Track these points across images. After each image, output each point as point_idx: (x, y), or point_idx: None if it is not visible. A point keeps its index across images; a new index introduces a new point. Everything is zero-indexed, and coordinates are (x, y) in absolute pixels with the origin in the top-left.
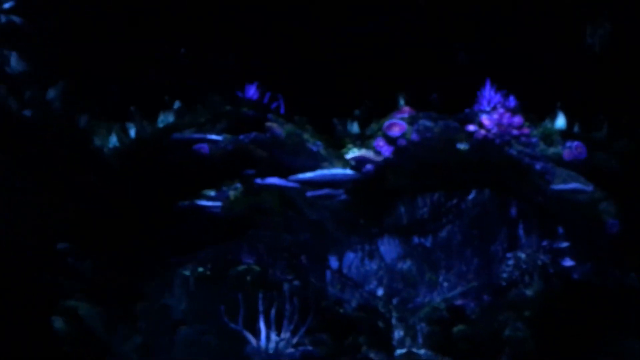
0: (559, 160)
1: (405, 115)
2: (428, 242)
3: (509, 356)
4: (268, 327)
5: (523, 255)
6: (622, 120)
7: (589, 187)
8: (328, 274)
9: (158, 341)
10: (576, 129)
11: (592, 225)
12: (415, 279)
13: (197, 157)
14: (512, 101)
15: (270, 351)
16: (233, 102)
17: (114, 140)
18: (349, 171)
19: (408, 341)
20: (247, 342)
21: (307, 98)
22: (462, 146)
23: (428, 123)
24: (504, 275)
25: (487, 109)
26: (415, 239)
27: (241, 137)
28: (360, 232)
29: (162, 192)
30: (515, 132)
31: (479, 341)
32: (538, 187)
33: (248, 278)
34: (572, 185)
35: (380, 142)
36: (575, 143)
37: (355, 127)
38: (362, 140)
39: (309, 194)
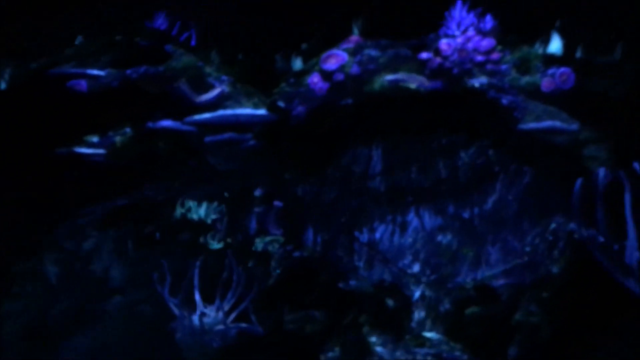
0: (535, 92)
1: (351, 46)
2: (470, 213)
3: (519, 345)
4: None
5: (553, 225)
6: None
7: (572, 126)
8: (356, 246)
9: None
10: (579, 53)
11: (573, 176)
12: (455, 254)
13: (73, 95)
14: (488, 22)
15: (195, 327)
16: (128, 31)
17: None
18: (259, 112)
19: (429, 324)
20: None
21: (251, 30)
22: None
23: (374, 52)
24: (527, 249)
25: (457, 33)
26: (453, 209)
27: (128, 71)
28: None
29: (34, 137)
30: (479, 58)
31: (491, 326)
32: (508, 126)
33: (271, 249)
34: (547, 124)
35: (314, 79)
36: (561, 70)
37: (298, 63)
38: (297, 77)
39: (207, 139)
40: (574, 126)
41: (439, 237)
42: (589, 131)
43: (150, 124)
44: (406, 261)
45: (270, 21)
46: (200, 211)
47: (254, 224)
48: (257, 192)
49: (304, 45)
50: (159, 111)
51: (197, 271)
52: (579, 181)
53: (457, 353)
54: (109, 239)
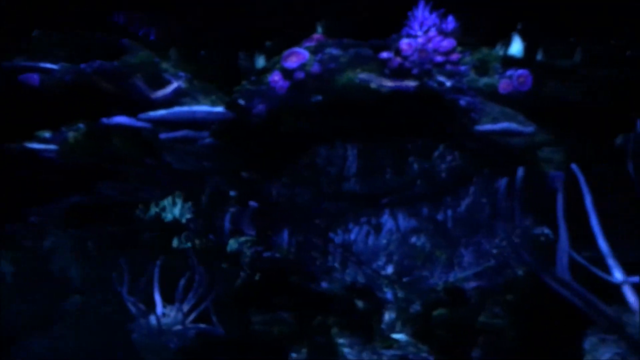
0: (493, 94)
1: (313, 44)
2: (444, 215)
3: (483, 348)
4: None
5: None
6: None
7: (528, 128)
8: (330, 247)
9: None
10: (539, 56)
11: (529, 178)
12: (429, 256)
13: (25, 89)
14: (450, 23)
15: (152, 327)
16: (84, 24)
17: None
18: (217, 109)
19: (399, 325)
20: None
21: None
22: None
23: (335, 51)
24: (494, 251)
25: (419, 33)
26: (427, 211)
27: (83, 65)
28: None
29: None
30: (439, 58)
31: (458, 328)
32: (465, 128)
33: (245, 249)
34: (502, 126)
35: (275, 77)
36: (519, 72)
37: (261, 61)
38: (258, 75)
39: (162, 136)
40: (530, 128)
41: (413, 239)
42: (544, 134)
43: (104, 120)
44: (380, 263)
45: (236, 18)
46: (174, 210)
47: (228, 224)
48: (232, 192)
49: (268, 43)
50: (114, 107)
51: (157, 270)
52: (504, 181)
53: (424, 354)
54: (69, 238)
